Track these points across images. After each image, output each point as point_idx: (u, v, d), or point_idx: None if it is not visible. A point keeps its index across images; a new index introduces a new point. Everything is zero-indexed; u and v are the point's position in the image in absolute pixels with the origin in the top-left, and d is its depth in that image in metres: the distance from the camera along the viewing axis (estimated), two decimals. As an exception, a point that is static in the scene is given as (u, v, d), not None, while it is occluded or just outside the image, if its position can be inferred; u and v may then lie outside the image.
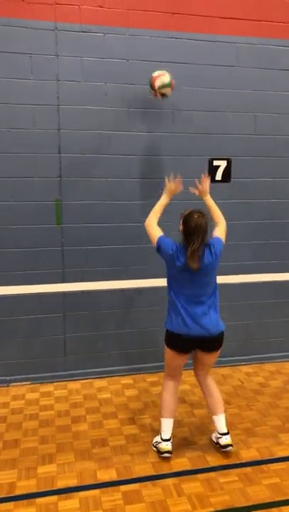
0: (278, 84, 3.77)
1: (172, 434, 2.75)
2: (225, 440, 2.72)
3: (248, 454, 2.77)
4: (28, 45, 3.32)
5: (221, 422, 2.76)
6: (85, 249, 3.65)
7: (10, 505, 2.33)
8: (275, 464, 2.69)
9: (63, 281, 3.66)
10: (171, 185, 2.90)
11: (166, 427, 2.73)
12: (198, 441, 2.92)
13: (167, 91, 3.23)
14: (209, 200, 2.96)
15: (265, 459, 2.74)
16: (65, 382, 3.72)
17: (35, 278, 3.60)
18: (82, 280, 3.68)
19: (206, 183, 2.98)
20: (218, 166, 3.75)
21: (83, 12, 3.37)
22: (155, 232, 2.73)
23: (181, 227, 2.60)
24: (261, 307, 4.08)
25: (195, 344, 2.65)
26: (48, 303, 3.66)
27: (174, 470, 2.62)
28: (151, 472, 2.60)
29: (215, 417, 2.78)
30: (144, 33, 3.48)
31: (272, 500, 2.38)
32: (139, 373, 3.88)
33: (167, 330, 2.69)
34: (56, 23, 3.33)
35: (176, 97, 3.56)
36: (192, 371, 2.88)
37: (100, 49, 3.43)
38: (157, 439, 2.79)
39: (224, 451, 2.73)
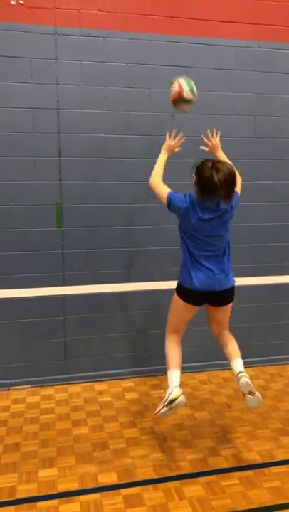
0: (278, 87, 3.78)
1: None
2: (240, 374, 2.66)
3: (249, 457, 2.77)
4: (28, 49, 3.33)
5: (237, 364, 2.73)
6: (85, 252, 3.65)
7: (11, 509, 2.33)
8: (276, 467, 2.68)
9: (64, 284, 3.66)
10: (171, 141, 2.88)
11: (175, 376, 2.68)
12: (199, 444, 2.91)
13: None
14: (222, 156, 2.91)
15: (266, 462, 2.73)
16: (66, 386, 3.71)
17: (36, 281, 3.60)
18: (82, 283, 3.68)
19: (217, 137, 2.95)
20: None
21: (83, 16, 3.38)
22: (162, 189, 2.67)
23: (194, 178, 2.52)
24: (261, 310, 4.07)
25: (206, 297, 2.65)
26: (49, 306, 3.66)
27: (175, 473, 2.62)
28: (153, 475, 2.60)
29: (232, 361, 2.77)
30: (144, 37, 3.49)
31: (273, 504, 2.37)
32: (140, 376, 3.87)
33: (179, 283, 2.68)
34: (56, 27, 3.34)
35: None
36: (192, 374, 2.89)
37: (99, 53, 3.44)
38: (164, 398, 2.64)
39: (242, 384, 2.63)
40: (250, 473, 2.62)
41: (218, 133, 2.98)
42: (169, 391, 2.63)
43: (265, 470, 2.65)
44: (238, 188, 2.68)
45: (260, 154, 3.84)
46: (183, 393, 2.61)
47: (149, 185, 2.77)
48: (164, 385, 3.68)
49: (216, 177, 2.38)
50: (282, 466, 2.68)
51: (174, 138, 2.91)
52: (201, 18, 3.55)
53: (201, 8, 3.54)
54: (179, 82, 2.87)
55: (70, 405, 3.42)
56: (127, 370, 3.88)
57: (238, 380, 2.68)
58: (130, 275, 3.77)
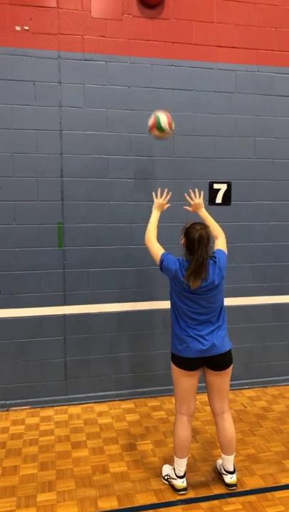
0: (276, 110, 3.86)
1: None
2: (230, 479, 2.64)
3: (252, 482, 2.71)
4: (32, 73, 3.41)
5: (228, 461, 2.66)
6: (86, 271, 3.66)
7: (8, 535, 2.27)
8: (279, 491, 2.63)
9: (64, 303, 3.65)
10: (159, 199, 2.93)
11: (181, 465, 2.63)
12: (201, 468, 2.86)
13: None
14: (205, 214, 2.95)
15: (269, 486, 2.68)
16: (66, 407, 3.67)
17: (37, 300, 3.60)
18: (83, 303, 3.67)
19: (199, 197, 2.98)
20: (219, 189, 3.79)
21: (86, 41, 3.47)
22: (157, 249, 2.69)
23: (183, 240, 2.57)
24: (263, 330, 4.05)
25: (201, 362, 2.56)
26: (49, 325, 3.64)
27: (177, 498, 2.56)
28: (154, 500, 2.54)
29: (224, 456, 2.67)
30: (145, 61, 3.58)
31: (277, 530, 2.32)
32: (141, 398, 3.83)
33: (172, 353, 2.62)
34: (60, 52, 3.43)
35: (177, 122, 3.63)
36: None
37: (102, 76, 3.52)
38: (170, 472, 2.69)
39: (229, 489, 2.64)
40: (253, 498, 2.57)
41: (202, 193, 3.04)
42: (171, 473, 2.67)
43: (268, 495, 2.59)
44: (224, 248, 2.73)
45: (259, 175, 3.88)
46: (186, 488, 2.60)
47: (145, 242, 2.80)
48: (164, 407, 3.66)
49: (198, 239, 2.46)
50: (286, 491, 2.63)
51: (162, 196, 2.95)
52: (201, 43, 3.65)
53: (201, 33, 3.63)
54: (154, 117, 3.10)
55: (70, 427, 3.37)
56: (128, 391, 3.83)
57: (224, 475, 2.67)
58: (131, 295, 3.76)
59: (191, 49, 3.64)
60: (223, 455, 2.68)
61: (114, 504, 2.50)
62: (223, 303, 2.62)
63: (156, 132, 3.13)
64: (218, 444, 2.76)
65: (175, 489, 2.62)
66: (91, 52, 3.48)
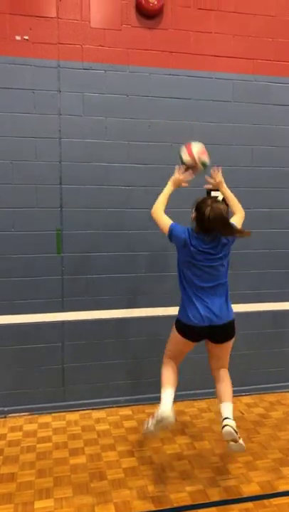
0: (272, 118, 3.90)
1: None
2: (225, 421, 2.56)
3: (249, 489, 2.72)
4: (32, 82, 3.44)
5: (226, 407, 2.64)
6: (84, 278, 3.68)
7: None
8: (276, 498, 2.63)
9: (63, 310, 3.66)
10: (180, 175, 2.90)
11: (169, 394, 2.63)
12: (198, 474, 2.86)
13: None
14: (226, 191, 2.96)
15: (266, 493, 2.68)
16: (64, 413, 3.67)
17: (35, 307, 3.61)
18: (81, 309, 3.69)
19: (219, 173, 3.01)
20: (216, 197, 3.80)
21: (85, 51, 3.51)
22: (164, 219, 2.72)
23: (193, 215, 2.61)
24: (261, 337, 4.07)
25: (205, 334, 2.61)
26: (47, 332, 3.65)
27: (174, 505, 2.56)
28: (151, 507, 2.54)
29: (221, 405, 2.68)
30: (144, 70, 3.62)
31: (274, 537, 2.32)
32: (138, 404, 3.83)
33: (177, 318, 2.66)
34: (59, 61, 3.47)
35: (175, 131, 3.67)
36: (192, 402, 2.86)
37: (100, 85, 3.56)
38: (151, 419, 2.65)
39: (224, 428, 2.56)
40: (250, 505, 2.57)
41: (220, 169, 3.05)
42: (159, 409, 2.63)
43: (265, 502, 2.60)
44: (238, 224, 2.78)
45: (257, 183, 3.92)
46: (172, 415, 2.56)
47: (151, 214, 2.82)
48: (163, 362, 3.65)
49: (209, 214, 2.52)
50: (283, 498, 2.63)
51: (183, 173, 2.95)
52: (198, 53, 3.69)
53: (198, 43, 3.68)
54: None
55: (68, 433, 3.37)
56: (125, 397, 3.84)
57: (222, 426, 2.62)
58: (129, 301, 3.78)
59: (188, 58, 3.68)
60: (220, 405, 2.69)
61: (111, 511, 2.50)
62: (227, 275, 2.68)
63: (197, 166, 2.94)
64: (217, 397, 2.81)
65: (161, 420, 2.53)
66: (90, 62, 3.53)
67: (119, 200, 3.67)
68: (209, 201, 2.55)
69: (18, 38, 3.38)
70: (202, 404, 3.82)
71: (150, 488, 2.71)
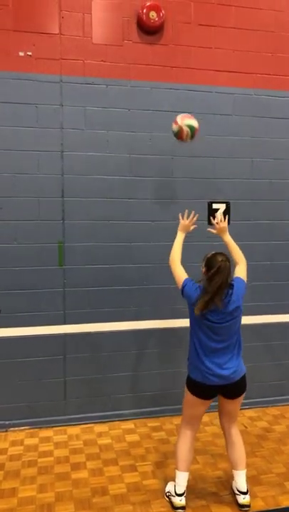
0: (272, 132, 3.93)
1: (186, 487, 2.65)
2: (243, 500, 2.63)
3: (253, 504, 2.68)
4: (35, 96, 3.49)
5: (241, 479, 2.66)
6: (86, 290, 3.68)
7: None
8: (281, 514, 2.60)
9: (64, 322, 3.66)
10: (185, 221, 2.95)
11: (181, 480, 2.63)
12: (201, 490, 2.83)
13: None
14: (228, 239, 2.98)
15: (271, 509, 2.64)
16: (65, 427, 3.63)
17: (37, 319, 3.60)
18: (83, 322, 3.68)
19: (225, 221, 3.02)
20: (217, 209, 3.84)
21: (87, 66, 3.56)
22: (180, 273, 2.70)
23: (203, 270, 2.59)
24: (263, 349, 4.05)
25: (218, 391, 2.58)
26: (49, 345, 3.64)
27: (177, 521, 2.53)
28: (154, 523, 2.51)
29: (235, 472, 2.68)
30: (145, 85, 3.67)
31: None
32: (141, 418, 3.79)
33: (188, 376, 2.62)
34: (61, 76, 3.52)
35: (175, 144, 3.70)
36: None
37: (102, 99, 3.61)
38: (171, 489, 2.69)
39: (241, 510, 2.63)
40: (255, 520, 2.54)
41: (226, 217, 3.12)
42: (172, 490, 2.67)
43: (270, 517, 2.56)
44: (244, 276, 2.77)
45: (258, 195, 3.94)
46: (183, 507, 2.60)
47: (168, 264, 2.82)
48: (165, 427, 3.63)
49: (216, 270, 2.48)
50: (288, 513, 2.60)
51: (188, 218, 2.97)
52: (199, 67, 3.75)
53: (199, 58, 3.74)
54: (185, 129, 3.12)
55: (69, 448, 3.34)
56: (128, 411, 3.81)
57: (237, 496, 2.67)
58: (131, 314, 3.77)
59: (189, 73, 3.73)
60: (234, 471, 2.69)
61: (114, 527, 2.47)
62: (240, 331, 2.63)
63: (188, 140, 3.17)
64: (229, 461, 2.75)
65: (173, 506, 2.61)
66: (92, 76, 3.58)
67: (121, 213, 3.69)
68: (220, 258, 2.53)
69: (21, 53, 3.43)
70: (204, 418, 3.76)
71: (153, 504, 2.68)
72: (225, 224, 3.02)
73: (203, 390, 2.56)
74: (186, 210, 3.01)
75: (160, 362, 3.82)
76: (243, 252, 2.93)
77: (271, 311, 4.04)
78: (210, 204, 3.82)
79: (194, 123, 3.12)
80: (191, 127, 3.10)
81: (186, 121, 3.10)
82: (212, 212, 3.81)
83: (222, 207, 3.84)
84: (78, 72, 3.55)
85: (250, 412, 3.94)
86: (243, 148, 3.89)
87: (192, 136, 3.13)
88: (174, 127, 3.14)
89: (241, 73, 3.83)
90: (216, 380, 2.52)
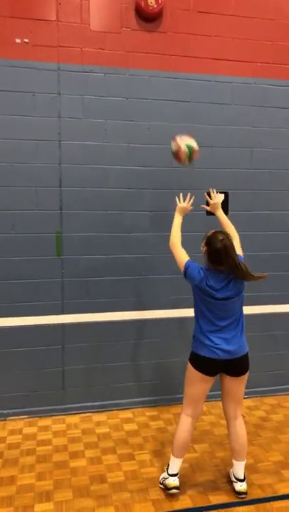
0: (272, 121, 3.91)
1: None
2: (240, 487, 2.66)
3: (250, 492, 2.70)
4: (32, 85, 3.45)
5: (239, 468, 2.69)
6: (84, 280, 3.67)
7: None
8: (278, 501, 2.62)
9: (63, 312, 3.66)
10: (183, 204, 2.94)
11: (175, 465, 2.66)
12: (199, 477, 2.85)
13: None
14: (222, 215, 2.98)
15: (268, 496, 2.67)
16: (63, 416, 3.65)
17: (35, 309, 3.60)
18: (81, 312, 3.68)
19: (217, 196, 3.02)
20: (218, 192, 3.81)
21: (85, 54, 3.53)
22: (182, 255, 2.70)
23: (204, 249, 2.60)
24: (261, 339, 4.06)
25: (221, 367, 2.60)
26: (47, 334, 3.64)
27: (175, 508, 2.55)
28: (151, 510, 2.53)
29: (235, 462, 2.71)
30: (144, 74, 3.63)
31: (276, 540, 2.31)
32: (139, 407, 3.81)
33: (193, 351, 2.64)
34: (59, 64, 3.48)
35: (174, 134, 3.67)
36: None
37: (100, 88, 3.57)
38: (164, 474, 2.73)
39: (238, 497, 2.66)
40: (251, 508, 2.56)
41: (218, 194, 3.10)
42: (165, 474, 2.71)
43: (267, 505, 2.58)
44: (240, 251, 2.77)
45: (257, 185, 3.92)
46: (177, 486, 2.63)
47: (169, 247, 2.81)
48: (163, 416, 3.65)
49: (220, 249, 2.51)
50: (285, 501, 2.62)
51: (184, 200, 2.97)
52: (198, 56, 3.71)
53: (198, 46, 3.69)
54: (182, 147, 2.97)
55: (68, 437, 3.36)
56: (126, 400, 3.82)
57: (234, 483, 2.71)
58: (130, 304, 3.77)
59: (188, 62, 3.70)
60: (234, 461, 2.71)
61: (112, 514, 2.49)
62: (242, 309, 2.69)
63: (186, 162, 3.02)
64: (231, 450, 2.76)
65: (167, 488, 2.64)
66: (90, 65, 3.54)
67: (118, 203, 3.68)
68: (220, 236, 2.54)
69: (18, 40, 3.39)
70: (204, 406, 3.81)
71: (151, 491, 2.70)
72: (219, 200, 3.00)
73: (208, 364, 2.57)
74: (181, 194, 2.98)
75: (158, 352, 3.83)
76: (242, 243, 2.93)
77: (270, 301, 4.05)
78: (209, 194, 3.79)
79: (194, 144, 2.96)
80: (190, 148, 2.94)
81: (185, 141, 2.95)
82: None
83: (221, 197, 3.81)
84: (76, 60, 3.51)
85: (247, 402, 3.96)
86: (243, 137, 3.86)
87: (190, 157, 2.97)
88: (173, 146, 2.99)
89: (240, 62, 3.79)
90: (221, 354, 2.55)
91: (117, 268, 3.71)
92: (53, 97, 3.50)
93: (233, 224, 3.02)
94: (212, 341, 2.55)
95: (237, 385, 2.67)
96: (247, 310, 3.93)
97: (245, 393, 3.99)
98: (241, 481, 2.67)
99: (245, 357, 2.65)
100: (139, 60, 3.61)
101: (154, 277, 3.78)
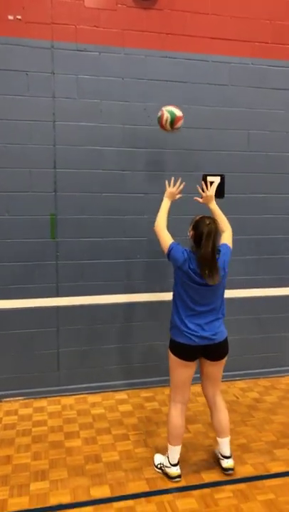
0: (269, 103, 3.86)
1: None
2: (227, 463, 2.71)
3: (243, 470, 2.75)
4: (25, 63, 3.38)
5: (224, 445, 2.74)
6: (79, 263, 3.66)
7: (1, 523, 2.29)
8: (270, 479, 2.67)
9: (57, 295, 3.66)
10: (172, 188, 2.91)
11: (175, 453, 2.68)
12: (192, 457, 2.90)
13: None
14: (215, 207, 2.95)
15: (260, 475, 2.72)
16: (59, 398, 3.68)
17: (30, 292, 3.60)
18: (76, 294, 3.68)
19: (211, 189, 2.99)
20: (212, 182, 3.77)
21: (79, 32, 3.45)
22: (166, 237, 2.70)
23: (191, 233, 2.61)
24: (255, 322, 4.09)
25: (200, 351, 2.62)
26: (42, 317, 3.65)
27: (169, 486, 2.59)
28: (146, 489, 2.57)
29: (220, 440, 2.75)
30: (139, 53, 3.56)
31: (267, 517, 2.36)
32: (134, 388, 3.85)
33: (171, 339, 2.66)
34: (53, 41, 3.41)
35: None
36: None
37: (95, 67, 3.50)
38: (163, 461, 2.74)
39: (224, 473, 2.71)
40: (243, 486, 2.61)
41: (214, 185, 3.05)
42: (165, 462, 2.71)
43: (258, 483, 2.63)
44: (230, 243, 2.75)
45: (253, 168, 3.89)
46: (180, 475, 2.65)
47: (154, 230, 2.79)
48: (157, 397, 3.69)
49: (206, 234, 2.48)
50: (276, 479, 2.67)
51: (174, 185, 2.93)
52: (195, 35, 3.63)
53: (195, 25, 3.62)
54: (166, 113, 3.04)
55: (63, 417, 3.39)
56: (121, 382, 3.86)
57: (220, 460, 2.76)
58: (124, 287, 3.78)
59: (185, 40, 3.63)
60: (218, 439, 2.76)
61: (106, 492, 2.53)
62: (224, 296, 2.67)
63: (167, 126, 3.08)
64: (214, 429, 2.81)
65: (169, 477, 2.66)
66: (84, 43, 3.46)
67: (114, 185, 3.64)
68: (207, 221, 2.53)
69: (10, 17, 3.31)
70: (196, 388, 3.81)
71: (145, 470, 2.74)
72: (212, 192, 2.98)
73: (186, 351, 2.60)
74: (173, 178, 2.96)
75: (153, 334, 3.84)
76: (236, 226, 2.91)
77: (263, 284, 4.06)
78: (205, 177, 3.77)
79: (177, 111, 3.03)
80: (171, 113, 3.01)
81: (168, 107, 3.04)
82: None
83: (217, 180, 3.79)
84: (70, 38, 3.44)
85: (241, 384, 4.01)
86: (239, 119, 3.82)
87: (172, 123, 3.03)
88: (158, 114, 3.09)
89: (238, 41, 3.72)
90: (197, 341, 2.57)
91: (112, 251, 3.70)
92: (47, 77, 3.43)
93: (229, 206, 3.01)
94: (188, 328, 2.57)
95: (216, 369, 2.71)
96: (241, 293, 4.00)
97: (239, 375, 4.09)
98: (227, 457, 2.72)
99: (224, 342, 2.65)
100: (134, 38, 3.53)
101: (149, 260, 3.77)
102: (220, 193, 3.82)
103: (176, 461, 2.67)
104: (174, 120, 3.03)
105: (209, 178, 3.79)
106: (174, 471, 2.65)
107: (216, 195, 3.56)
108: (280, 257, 4.08)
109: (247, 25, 3.72)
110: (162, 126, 3.10)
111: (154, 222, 2.82)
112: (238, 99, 3.79)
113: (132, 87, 3.58)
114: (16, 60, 3.36)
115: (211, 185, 3.04)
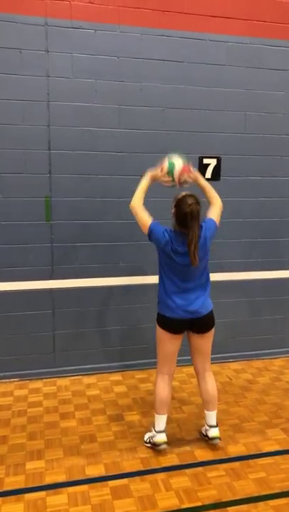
0: (268, 84, 3.80)
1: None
2: (213, 433, 2.78)
3: (235, 449, 2.80)
4: (18, 40, 3.30)
5: (211, 416, 2.82)
6: (74, 246, 3.65)
7: (-2, 501, 2.33)
8: (261, 458, 2.72)
9: (52, 277, 3.65)
10: (158, 173, 2.70)
11: (161, 422, 2.76)
12: (186, 436, 2.94)
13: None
14: (203, 183, 2.81)
15: (252, 454, 2.77)
16: (54, 379, 3.71)
17: (24, 274, 3.59)
18: (71, 277, 3.68)
19: (193, 172, 2.78)
20: (208, 164, 3.77)
21: (74, 8, 3.36)
22: (144, 216, 2.64)
23: (173, 210, 2.59)
24: (249, 304, 4.12)
25: (186, 325, 2.68)
26: (37, 299, 3.65)
27: (163, 465, 2.64)
28: (140, 467, 2.62)
29: (207, 413, 2.83)
30: (135, 31, 3.48)
31: (258, 494, 2.41)
32: (128, 370, 3.89)
33: (159, 313, 2.71)
34: (46, 18, 3.32)
35: (167, 95, 3.58)
36: (180, 367, 2.90)
37: (90, 45, 3.43)
38: (150, 434, 2.82)
39: (211, 443, 2.79)
40: (236, 464, 2.66)
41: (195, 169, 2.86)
42: (151, 433, 2.79)
43: (250, 462, 2.69)
44: (216, 217, 2.71)
45: (249, 150, 3.86)
46: (166, 444, 2.72)
47: (130, 208, 2.71)
48: (152, 379, 3.72)
49: (189, 212, 2.48)
50: (268, 458, 2.73)
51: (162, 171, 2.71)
52: (192, 12, 3.55)
53: (192, 2, 3.53)
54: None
55: (58, 398, 3.42)
56: (116, 363, 3.89)
57: (207, 431, 2.83)
58: (119, 269, 3.77)
59: (182, 18, 3.54)
60: (206, 411, 2.84)
61: (101, 471, 2.57)
62: (207, 270, 2.71)
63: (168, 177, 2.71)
64: (202, 401, 2.87)
65: (156, 444, 2.73)
66: (79, 20, 3.37)
67: (109, 167, 3.61)
68: (189, 200, 2.50)
69: (3, -8, 3.21)
70: (190, 369, 3.86)
71: (139, 449, 2.79)
72: (196, 174, 2.77)
73: (172, 324, 2.66)
74: (164, 167, 2.79)
75: (148, 315, 3.83)
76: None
77: (258, 267, 4.07)
78: (201, 159, 3.74)
79: (176, 162, 2.67)
80: (170, 164, 2.66)
81: (170, 158, 2.69)
82: (203, 167, 3.75)
83: (213, 162, 3.77)
84: (64, 15, 3.35)
85: (234, 365, 4.06)
86: (236, 100, 3.76)
87: (171, 173, 2.66)
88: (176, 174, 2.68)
89: (237, 19, 3.64)
90: (183, 314, 2.63)
91: (107, 234, 3.69)
92: (41, 55, 3.36)
93: (225, 189, 2.98)
94: (175, 303, 2.62)
95: (203, 342, 2.76)
96: (235, 276, 4.02)
97: (233, 357, 4.13)
98: (214, 426, 2.79)
99: (209, 315, 2.71)
100: (130, 15, 3.45)
101: (144, 243, 3.73)
102: (216, 175, 3.80)
103: (162, 428, 2.75)
104: (172, 170, 2.66)
105: (205, 160, 3.76)
106: (160, 437, 2.73)
107: (212, 178, 3.53)
108: (275, 240, 4.09)
109: (246, 2, 3.64)
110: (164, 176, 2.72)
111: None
112: (235, 79, 3.73)
113: (127, 67, 3.51)
114: (9, 37, 3.28)
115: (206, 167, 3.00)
